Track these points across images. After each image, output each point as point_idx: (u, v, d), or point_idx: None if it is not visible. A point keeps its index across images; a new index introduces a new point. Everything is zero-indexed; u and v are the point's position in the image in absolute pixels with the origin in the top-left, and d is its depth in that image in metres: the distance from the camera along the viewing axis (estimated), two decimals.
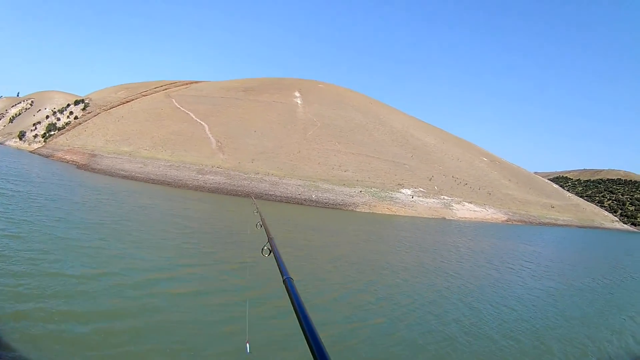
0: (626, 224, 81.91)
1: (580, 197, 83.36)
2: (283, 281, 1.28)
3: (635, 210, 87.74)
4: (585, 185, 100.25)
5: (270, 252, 1.98)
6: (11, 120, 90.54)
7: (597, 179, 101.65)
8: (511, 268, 17.90)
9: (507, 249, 24.46)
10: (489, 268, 16.87)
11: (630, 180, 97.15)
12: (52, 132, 66.99)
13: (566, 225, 56.94)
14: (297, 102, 48.34)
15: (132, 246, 11.64)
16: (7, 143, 77.01)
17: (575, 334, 9.91)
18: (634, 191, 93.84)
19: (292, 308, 1.10)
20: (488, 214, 46.89)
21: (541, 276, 17.09)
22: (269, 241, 2.04)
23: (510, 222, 47.58)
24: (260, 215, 3.42)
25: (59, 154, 49.76)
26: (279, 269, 1.47)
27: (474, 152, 53.37)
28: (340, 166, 39.85)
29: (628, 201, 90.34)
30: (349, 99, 52.66)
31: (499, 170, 51.25)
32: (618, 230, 74.10)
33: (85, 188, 25.04)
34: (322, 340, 0.74)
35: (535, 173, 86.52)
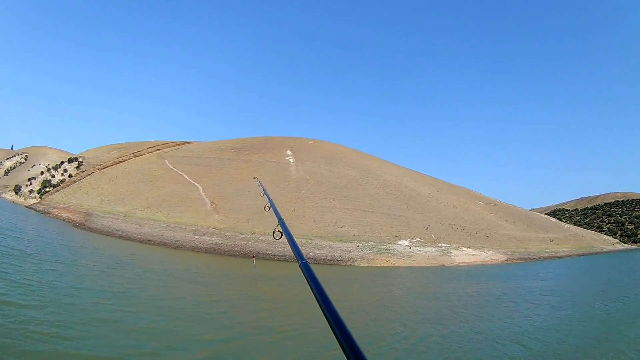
0: (626, 243, 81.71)
1: (579, 225, 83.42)
2: (299, 265, 1.19)
3: (634, 228, 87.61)
4: (583, 214, 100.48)
5: (281, 235, 1.82)
6: (6, 173, 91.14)
7: (594, 206, 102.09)
8: (532, 303, 18.55)
9: (518, 287, 24.80)
10: (512, 307, 17.32)
11: (628, 200, 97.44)
12: (48, 189, 67.03)
13: (566, 256, 56.67)
14: (290, 161, 48.70)
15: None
16: (2, 195, 77.49)
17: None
18: (632, 210, 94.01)
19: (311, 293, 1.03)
20: (487, 257, 46.57)
21: (560, 306, 17.92)
22: (279, 224, 1.89)
23: (510, 262, 47.21)
24: (266, 195, 3.10)
25: (55, 211, 49.80)
26: (294, 253, 1.37)
27: (469, 197, 53.62)
28: (336, 222, 39.82)
29: (627, 221, 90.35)
30: (341, 155, 53.83)
31: (495, 212, 51.36)
32: (619, 250, 74.16)
33: (89, 250, 25.41)
34: (344, 320, 0.74)
35: (532, 210, 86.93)
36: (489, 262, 44.95)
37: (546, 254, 54.21)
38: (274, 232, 1.93)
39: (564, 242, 59.89)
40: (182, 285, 17.42)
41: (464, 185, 75.17)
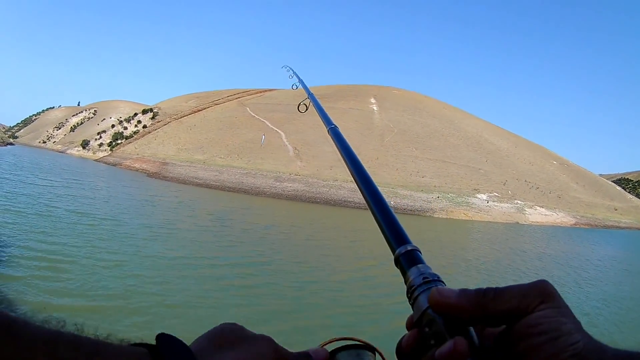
0: None
1: None
2: (328, 131, 1.17)
3: None
4: None
5: (307, 108, 1.70)
6: (72, 129, 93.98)
7: None
8: None
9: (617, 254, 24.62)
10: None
11: None
12: (119, 141, 66.79)
13: (627, 228, 56.35)
14: (374, 109, 49.07)
15: None
16: (68, 152, 77.78)
17: None
18: None
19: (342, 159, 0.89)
20: (558, 218, 46.98)
21: None
22: (308, 97, 1.70)
23: (577, 226, 47.44)
24: (292, 71, 2.46)
25: (127, 162, 50.02)
26: (322, 120, 1.31)
27: (544, 156, 53.57)
28: (417, 172, 40.63)
29: None
30: (424, 105, 54.26)
31: (567, 173, 51.36)
32: None
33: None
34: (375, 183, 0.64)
35: (601, 175, 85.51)
36: (558, 224, 45.33)
37: (610, 223, 54.03)
38: (298, 106, 1.72)
39: (626, 213, 59.40)
40: None
41: (540, 142, 72.99)
